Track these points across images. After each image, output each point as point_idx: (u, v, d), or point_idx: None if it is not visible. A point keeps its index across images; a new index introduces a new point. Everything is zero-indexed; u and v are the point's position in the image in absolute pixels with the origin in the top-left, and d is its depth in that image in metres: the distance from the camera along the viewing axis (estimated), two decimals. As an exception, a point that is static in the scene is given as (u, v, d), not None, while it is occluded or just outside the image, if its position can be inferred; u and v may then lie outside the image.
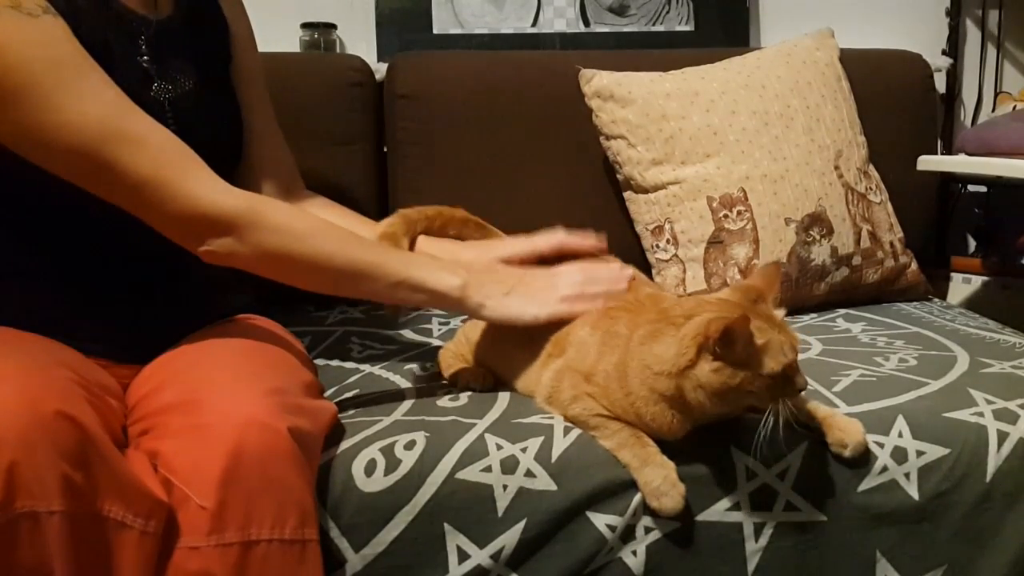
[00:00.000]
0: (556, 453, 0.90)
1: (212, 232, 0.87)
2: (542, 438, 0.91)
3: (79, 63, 0.84)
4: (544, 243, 1.07)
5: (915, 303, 1.45)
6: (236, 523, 0.74)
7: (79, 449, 0.70)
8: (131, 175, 0.84)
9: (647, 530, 0.89)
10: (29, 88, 0.81)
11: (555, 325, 0.99)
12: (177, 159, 0.87)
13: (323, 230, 0.93)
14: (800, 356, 1.13)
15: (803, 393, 0.98)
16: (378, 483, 0.87)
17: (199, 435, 0.76)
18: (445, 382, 1.08)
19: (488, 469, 0.88)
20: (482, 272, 0.98)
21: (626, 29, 1.77)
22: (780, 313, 0.85)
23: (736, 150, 1.37)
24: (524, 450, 0.90)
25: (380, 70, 1.57)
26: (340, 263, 0.91)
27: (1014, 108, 1.69)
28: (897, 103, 1.59)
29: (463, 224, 1.15)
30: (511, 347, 1.03)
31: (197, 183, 0.87)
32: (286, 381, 0.86)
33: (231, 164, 1.06)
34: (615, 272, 1.02)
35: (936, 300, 1.50)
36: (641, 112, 1.38)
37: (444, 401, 1.01)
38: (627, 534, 0.89)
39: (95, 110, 0.83)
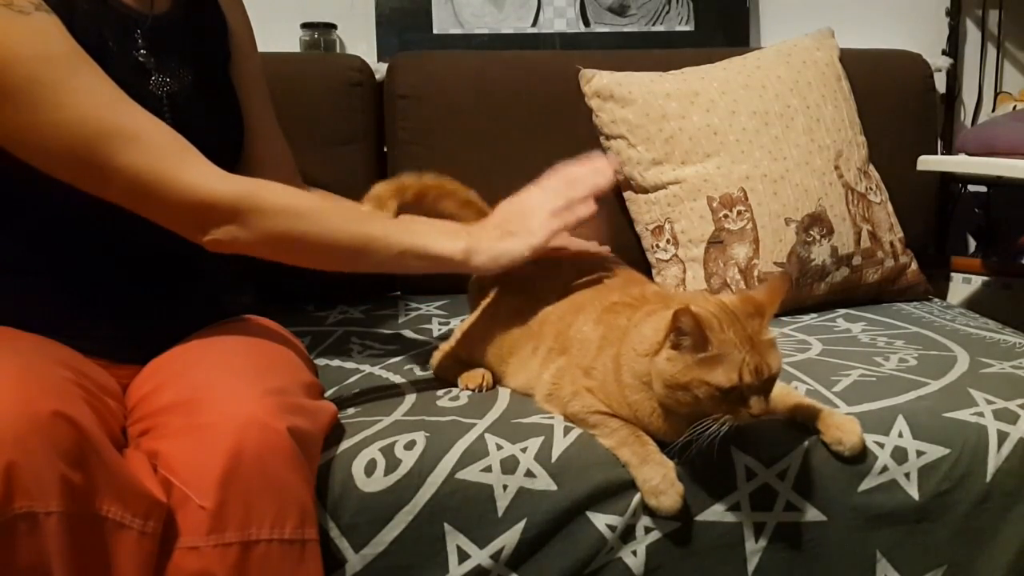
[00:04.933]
0: (556, 453, 0.90)
1: (214, 220, 0.87)
2: (542, 438, 0.91)
3: (73, 60, 0.84)
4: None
5: (915, 303, 1.45)
6: (236, 523, 0.74)
7: (77, 449, 0.70)
8: (128, 170, 0.84)
9: (647, 530, 0.89)
10: (22, 87, 0.81)
11: (556, 318, 0.99)
12: (173, 151, 0.86)
13: (323, 208, 0.93)
14: (800, 356, 1.14)
15: (801, 391, 0.99)
16: (378, 483, 0.87)
17: (199, 435, 0.76)
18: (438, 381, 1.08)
19: (488, 469, 0.88)
20: (477, 230, 0.98)
21: (626, 29, 1.77)
22: (770, 334, 0.83)
23: (736, 150, 1.37)
24: (524, 450, 0.90)
25: (380, 70, 1.57)
26: (343, 239, 0.92)
27: (1014, 108, 1.69)
28: (897, 103, 1.59)
29: (462, 205, 1.12)
30: (509, 345, 1.03)
31: (195, 173, 0.87)
32: (286, 381, 0.86)
33: (231, 160, 1.06)
34: (594, 166, 1.01)
35: (936, 300, 1.50)
36: (641, 112, 1.38)
37: (444, 401, 1.01)
38: (627, 534, 0.89)
39: (89, 107, 0.83)
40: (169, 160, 0.86)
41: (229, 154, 1.05)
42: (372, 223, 0.95)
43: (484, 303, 1.08)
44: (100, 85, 0.85)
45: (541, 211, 0.98)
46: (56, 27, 0.84)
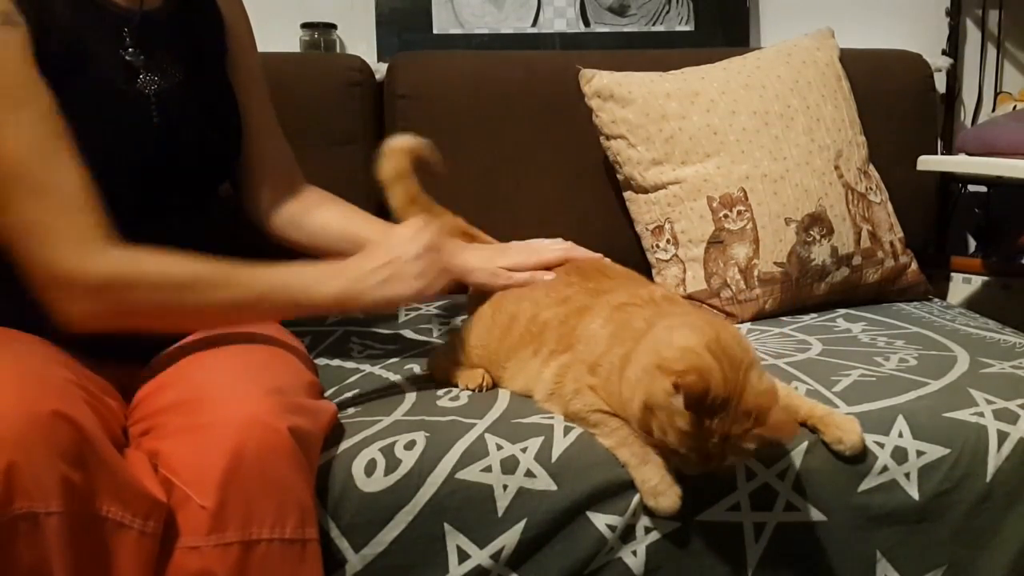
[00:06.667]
0: (556, 453, 0.90)
1: (73, 296, 0.84)
2: (542, 438, 0.91)
3: (17, 93, 0.83)
4: (551, 255, 1.09)
5: (915, 303, 1.45)
6: (236, 522, 0.74)
7: (77, 449, 0.70)
8: (15, 217, 0.83)
9: (647, 530, 0.89)
10: None
11: (558, 322, 0.99)
12: (70, 218, 0.84)
13: (199, 277, 0.88)
14: (800, 356, 1.14)
15: (801, 391, 0.99)
16: (378, 483, 0.87)
17: (200, 435, 0.76)
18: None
19: (488, 469, 0.88)
20: (361, 273, 0.94)
21: (626, 29, 1.77)
22: (749, 444, 0.81)
23: (736, 150, 1.37)
24: (524, 450, 0.90)
25: (380, 70, 1.57)
26: (221, 307, 0.89)
27: (1014, 108, 1.69)
28: (897, 103, 1.58)
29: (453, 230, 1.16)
30: (507, 349, 1.03)
31: (75, 246, 0.84)
32: (286, 381, 0.86)
33: (225, 159, 1.06)
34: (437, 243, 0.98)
35: (936, 300, 1.50)
36: (641, 112, 1.38)
37: (444, 401, 1.01)
38: (627, 534, 0.89)
39: (12, 146, 0.82)
40: (59, 225, 0.83)
41: (222, 152, 1.05)
42: (256, 282, 0.89)
43: (481, 309, 1.08)
44: (37, 127, 0.83)
45: (414, 264, 0.95)
46: (15, 50, 0.82)
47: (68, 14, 0.89)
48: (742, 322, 1.32)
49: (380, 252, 0.96)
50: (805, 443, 0.92)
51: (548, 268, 1.08)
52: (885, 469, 0.92)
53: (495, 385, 1.05)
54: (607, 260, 1.12)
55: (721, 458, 0.81)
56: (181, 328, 0.90)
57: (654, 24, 1.77)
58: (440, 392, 1.04)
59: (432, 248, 0.97)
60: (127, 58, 0.94)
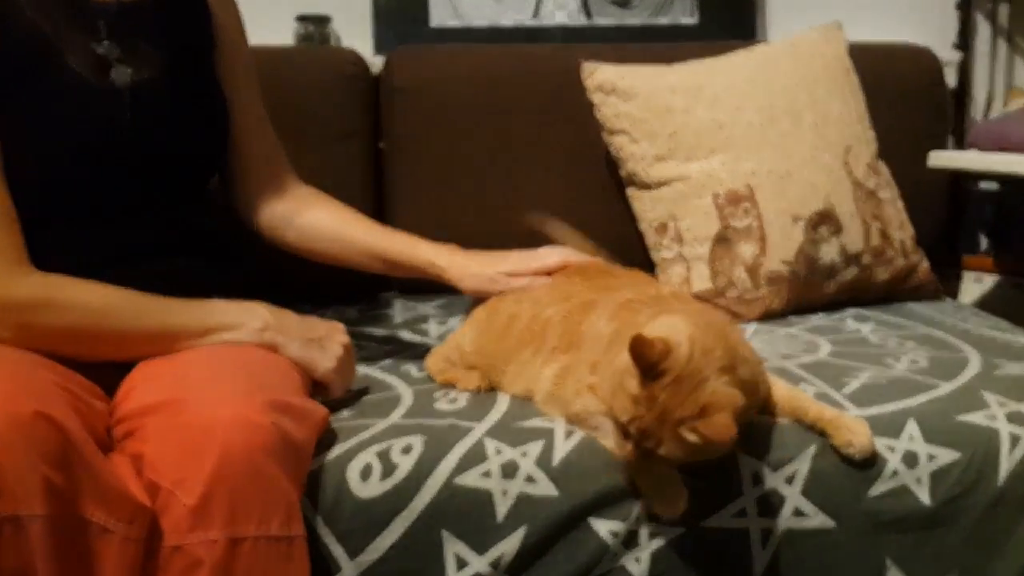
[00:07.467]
0: (557, 457, 0.88)
1: None
2: (543, 442, 0.90)
3: None
4: (550, 260, 1.08)
5: (926, 302, 1.43)
6: (221, 520, 0.73)
7: (60, 451, 0.69)
8: None
9: (651, 536, 0.87)
10: None
11: (560, 319, 0.97)
12: None
13: (113, 305, 0.88)
14: (809, 357, 1.12)
15: (810, 393, 0.98)
16: (374, 488, 0.86)
17: (183, 435, 0.75)
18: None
19: (487, 474, 0.87)
20: (286, 317, 0.96)
21: (629, 22, 1.75)
22: (689, 437, 0.78)
23: (742, 146, 1.34)
24: (524, 454, 0.88)
25: (376, 64, 1.56)
26: (138, 336, 0.88)
27: (1026, 103, 1.67)
28: (907, 98, 1.56)
29: None
30: (506, 351, 1.01)
31: None
32: (271, 380, 0.85)
33: (210, 154, 1.04)
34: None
35: (948, 299, 1.48)
36: (645, 106, 1.36)
37: (442, 404, 0.99)
38: (630, 540, 0.87)
39: None
40: None
41: (208, 146, 1.03)
42: (170, 311, 0.90)
43: (475, 313, 1.07)
44: None
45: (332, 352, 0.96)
46: None
47: (32, 9, 0.89)
48: (749, 322, 1.30)
49: (309, 319, 0.98)
50: (814, 447, 0.90)
51: (547, 275, 1.07)
52: (896, 473, 0.90)
53: (493, 388, 1.03)
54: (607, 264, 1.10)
55: (657, 441, 0.79)
56: (102, 355, 0.88)
57: (658, 17, 1.76)
58: (438, 394, 1.02)
59: (349, 350, 0.99)
60: (99, 51, 0.93)
